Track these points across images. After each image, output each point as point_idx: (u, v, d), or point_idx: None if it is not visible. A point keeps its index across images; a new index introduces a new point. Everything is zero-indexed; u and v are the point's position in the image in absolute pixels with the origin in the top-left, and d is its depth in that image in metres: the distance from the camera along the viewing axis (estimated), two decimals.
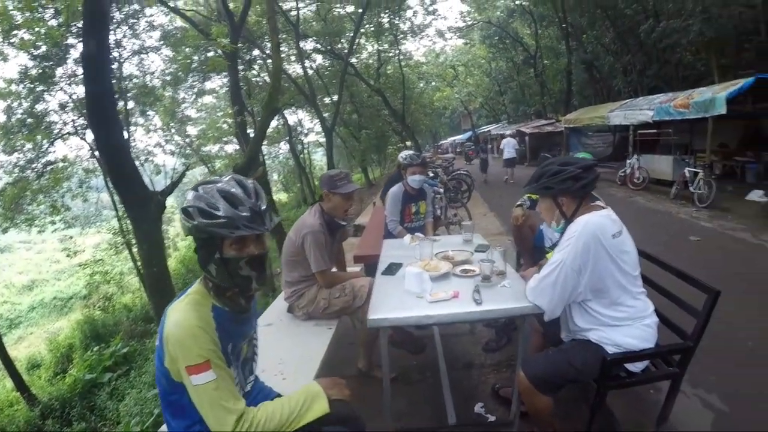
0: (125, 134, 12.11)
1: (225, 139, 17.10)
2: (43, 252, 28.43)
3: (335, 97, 18.33)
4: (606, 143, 18.19)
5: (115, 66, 12.06)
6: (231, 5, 10.77)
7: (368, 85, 20.15)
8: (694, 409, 2.53)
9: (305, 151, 26.89)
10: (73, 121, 12.37)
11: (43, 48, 10.30)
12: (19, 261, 28.75)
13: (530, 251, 3.08)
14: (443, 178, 9.89)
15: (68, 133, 12.51)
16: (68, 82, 11.49)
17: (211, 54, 12.67)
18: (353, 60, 18.99)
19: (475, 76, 33.60)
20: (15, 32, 9.25)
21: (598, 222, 1.80)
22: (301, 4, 16.41)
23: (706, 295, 1.96)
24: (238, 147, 13.55)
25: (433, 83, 29.84)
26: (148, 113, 14.68)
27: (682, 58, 15.35)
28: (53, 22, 9.58)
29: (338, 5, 17.66)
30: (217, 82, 17.78)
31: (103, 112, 4.87)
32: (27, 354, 13.65)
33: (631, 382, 1.97)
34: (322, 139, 19.23)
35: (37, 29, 9.14)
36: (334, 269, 2.97)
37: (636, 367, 1.93)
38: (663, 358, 2.10)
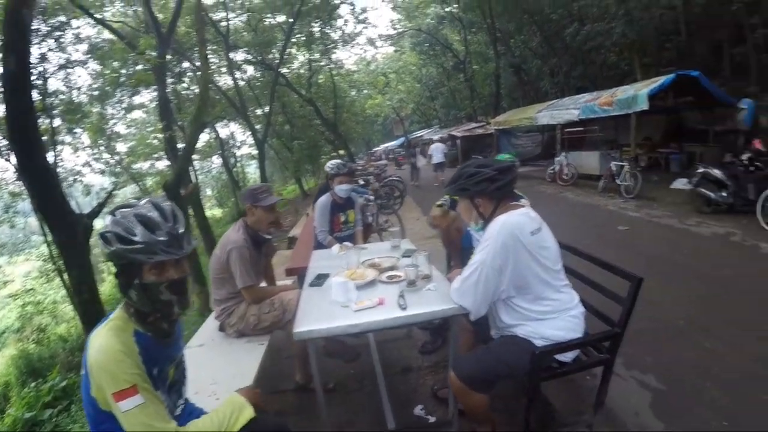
0: (51, 154, 11.36)
1: (156, 155, 16.45)
2: None
3: (267, 108, 18.08)
4: (535, 143, 19.00)
5: (40, 82, 11.34)
6: (161, 16, 10.38)
7: (299, 95, 19.93)
8: (632, 391, 2.65)
9: (238, 164, 26.41)
10: None
11: None
12: None
13: (458, 252, 3.12)
14: (375, 185, 10.01)
15: None
16: None
17: (140, 67, 12.18)
18: (284, 70, 18.85)
19: (406, 83, 34.04)
20: None
21: (516, 221, 1.84)
22: (231, 15, 16.11)
23: (630, 282, 2.05)
24: (169, 163, 13.12)
25: (365, 91, 29.69)
26: (75, 131, 13.86)
27: (606, 59, 16.23)
28: None
29: (269, 15, 17.44)
30: (147, 96, 17.02)
31: (24, 132, 4.56)
32: None
33: (563, 372, 2.02)
34: (255, 152, 18.85)
35: None
36: (263, 284, 2.95)
37: (566, 357, 1.99)
38: (593, 345, 2.18)
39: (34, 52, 9.98)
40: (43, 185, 4.88)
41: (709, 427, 2.29)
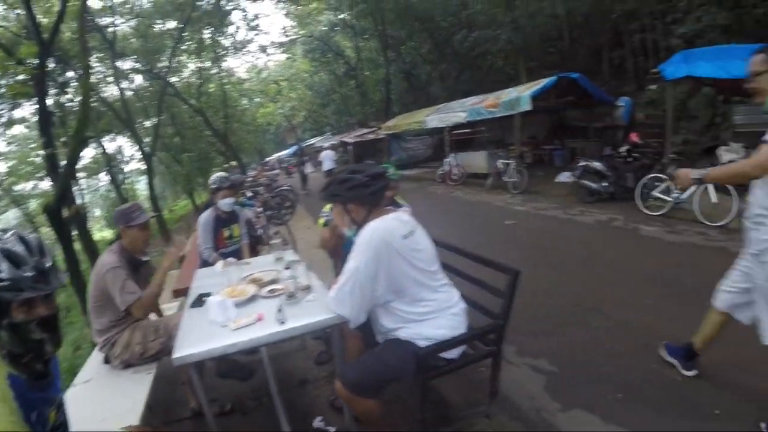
0: None
1: (39, 174, 15.00)
2: None
3: (155, 120, 17.14)
4: (426, 145, 19.82)
5: None
6: (45, 21, 9.38)
7: (189, 105, 19.18)
8: (525, 377, 2.77)
9: (127, 181, 24.61)
10: None
11: None
12: None
13: (341, 260, 3.08)
14: (265, 195, 9.81)
15: None
16: None
17: (22, 77, 10.91)
18: (174, 79, 18.13)
19: (298, 90, 33.83)
20: None
21: (386, 226, 1.86)
22: (119, 20, 15.16)
23: (508, 275, 2.14)
24: (52, 183, 11.90)
25: (257, 99, 29.29)
26: None
27: (493, 64, 17.24)
28: None
29: (159, 21, 16.64)
30: (29, 109, 15.38)
31: None
32: None
33: (451, 368, 2.06)
34: (144, 167, 17.78)
35: None
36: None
37: (452, 354, 2.03)
38: (479, 339, 2.25)
39: None
40: None
41: (605, 400, 2.42)
